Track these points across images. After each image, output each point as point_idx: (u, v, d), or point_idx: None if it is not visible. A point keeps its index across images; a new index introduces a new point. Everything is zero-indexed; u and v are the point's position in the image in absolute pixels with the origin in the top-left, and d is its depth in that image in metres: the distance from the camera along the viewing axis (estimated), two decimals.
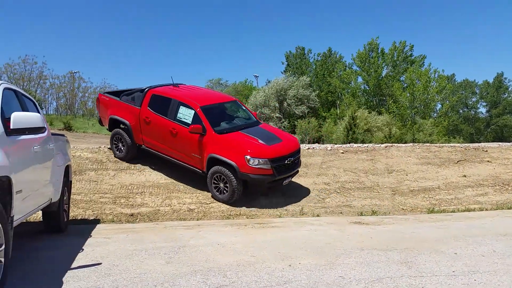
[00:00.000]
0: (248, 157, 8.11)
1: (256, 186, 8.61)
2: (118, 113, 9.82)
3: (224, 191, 8.41)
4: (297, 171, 9.31)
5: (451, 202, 9.21)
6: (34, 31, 65.63)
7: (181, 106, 8.96)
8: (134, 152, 9.86)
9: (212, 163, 8.46)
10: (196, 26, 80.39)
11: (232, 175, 8.22)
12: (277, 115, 35.67)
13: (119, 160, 10.05)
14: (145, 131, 9.42)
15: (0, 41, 60.86)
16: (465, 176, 10.54)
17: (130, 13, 77.24)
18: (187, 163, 9.00)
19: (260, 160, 8.15)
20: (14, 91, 4.75)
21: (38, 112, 5.20)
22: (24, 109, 4.78)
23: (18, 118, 3.85)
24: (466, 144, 13.74)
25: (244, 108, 10.29)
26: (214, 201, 8.53)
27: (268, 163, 8.21)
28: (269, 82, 40.62)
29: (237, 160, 8.17)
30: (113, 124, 10.00)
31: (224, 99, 10.38)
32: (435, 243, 5.48)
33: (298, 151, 9.15)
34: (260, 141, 8.56)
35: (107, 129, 10.44)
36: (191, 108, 8.84)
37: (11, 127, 3.80)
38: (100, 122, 10.88)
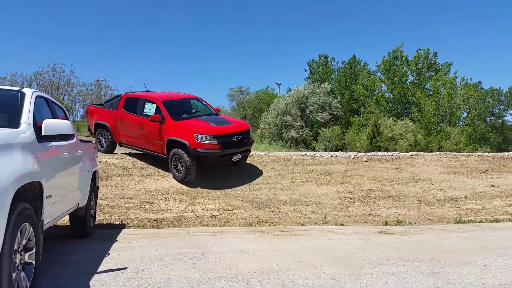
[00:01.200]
0: (197, 134, 9.34)
1: (208, 161, 9.68)
2: (101, 118, 11.41)
3: (181, 171, 9.51)
4: (249, 150, 10.60)
5: (478, 212, 8.98)
6: (63, 38, 67.43)
7: (146, 103, 10.42)
8: (112, 148, 11.31)
9: (171, 145, 9.67)
10: (219, 34, 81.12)
11: (185, 154, 9.36)
12: (299, 123, 35.50)
13: (144, 166, 10.23)
14: (121, 129, 10.83)
15: (31, 48, 62.71)
16: (493, 185, 10.27)
17: (153, 21, 78.64)
18: (153, 151, 10.27)
19: (207, 137, 9.37)
20: (45, 98, 4.89)
21: (68, 119, 5.34)
22: (54, 116, 4.91)
23: (49, 125, 3.95)
24: (493, 153, 13.39)
25: (205, 103, 11.46)
26: (237, 207, 8.56)
27: (215, 139, 9.43)
28: (290, 90, 40.53)
29: (188, 138, 9.37)
30: (98, 127, 11.48)
31: (186, 96, 11.48)
32: (463, 254, 5.35)
33: (247, 131, 10.32)
34: (211, 123, 9.82)
35: (93, 135, 12.01)
36: (154, 103, 10.26)
37: (42, 134, 3.90)
38: (89, 130, 12.40)
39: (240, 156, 10.05)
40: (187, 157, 9.31)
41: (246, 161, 11.01)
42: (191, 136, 9.32)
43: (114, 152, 11.35)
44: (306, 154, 12.43)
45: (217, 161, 9.75)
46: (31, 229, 3.35)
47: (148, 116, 10.00)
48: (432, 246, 5.95)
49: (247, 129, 10.37)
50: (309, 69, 46.90)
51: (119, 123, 10.78)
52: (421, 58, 38.86)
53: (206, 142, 9.31)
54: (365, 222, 8.17)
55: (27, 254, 3.30)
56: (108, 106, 11.48)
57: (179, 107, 10.52)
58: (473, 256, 5.26)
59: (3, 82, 32.34)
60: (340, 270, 4.55)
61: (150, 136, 10.10)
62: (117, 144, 11.29)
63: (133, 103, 10.67)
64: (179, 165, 9.52)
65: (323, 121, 35.73)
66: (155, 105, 10.12)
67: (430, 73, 38.75)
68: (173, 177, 9.70)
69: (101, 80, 39.11)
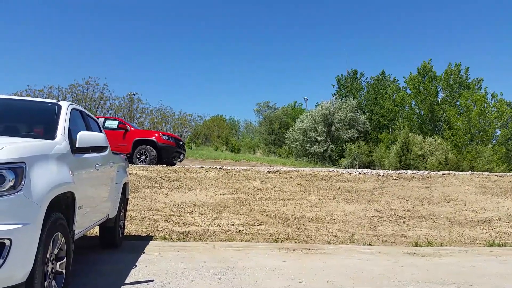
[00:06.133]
0: (162, 134, 14.24)
1: (167, 154, 13.79)
2: None
3: (145, 160, 13.33)
4: (184, 155, 15.22)
5: None
6: (98, 52, 69.81)
7: (107, 120, 14.66)
8: None
9: (137, 144, 13.65)
10: (247, 47, 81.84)
11: (152, 147, 13.50)
12: (321, 138, 35.18)
13: (172, 178, 10.36)
14: None
15: (67, 61, 65.13)
16: None
17: (180, 38, 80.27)
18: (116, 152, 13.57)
19: (169, 137, 14.35)
20: (80, 111, 5.05)
21: (101, 132, 5.48)
22: (88, 128, 5.05)
23: (83, 137, 4.07)
24: None
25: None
26: (262, 223, 8.52)
27: (173, 139, 14.19)
28: (318, 104, 40.34)
29: (156, 137, 13.86)
30: None
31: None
32: (497, 279, 5.14)
33: (184, 143, 15.60)
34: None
35: None
36: (116, 120, 14.91)
37: (77, 146, 4.01)
38: None
39: (183, 156, 14.94)
40: (153, 150, 13.40)
41: (272, 176, 11.04)
42: (158, 136, 13.95)
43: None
44: (333, 170, 12.30)
45: (173, 155, 14.00)
46: (63, 238, 3.43)
47: (110, 128, 13.79)
48: (463, 269, 5.75)
49: (183, 141, 15.86)
50: (337, 85, 46.55)
51: None
52: (452, 75, 37.96)
53: (168, 140, 14.01)
54: (394, 242, 7.98)
55: (58, 263, 3.38)
56: None
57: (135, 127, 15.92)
58: (508, 281, 5.05)
59: (41, 94, 33.60)
60: None
61: (114, 141, 12.85)
62: None
63: None
64: (143, 156, 13.41)
65: (350, 138, 35.34)
66: (118, 121, 14.67)
67: (460, 89, 37.73)
68: (135, 163, 13.04)
69: (134, 94, 40.07)
